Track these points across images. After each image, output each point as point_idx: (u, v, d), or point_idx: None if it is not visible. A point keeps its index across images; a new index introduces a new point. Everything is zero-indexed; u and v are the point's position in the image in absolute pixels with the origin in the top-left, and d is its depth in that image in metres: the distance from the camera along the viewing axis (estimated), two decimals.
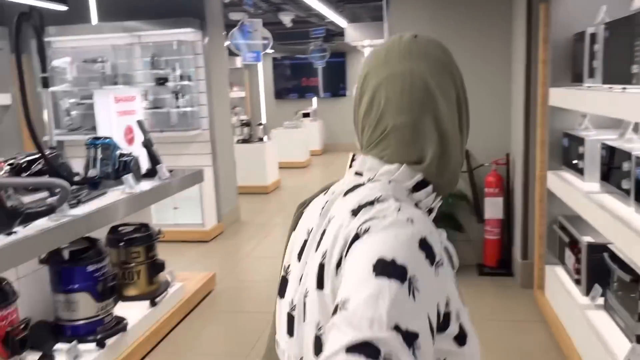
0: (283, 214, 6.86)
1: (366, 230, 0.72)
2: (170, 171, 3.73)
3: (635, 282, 2.29)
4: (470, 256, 4.31)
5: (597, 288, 2.76)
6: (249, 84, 12.69)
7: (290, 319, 0.84)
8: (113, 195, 3.11)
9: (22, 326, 2.32)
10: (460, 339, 0.76)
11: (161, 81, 5.49)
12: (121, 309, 3.18)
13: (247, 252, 5.36)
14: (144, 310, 3.36)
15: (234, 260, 5.21)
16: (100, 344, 2.85)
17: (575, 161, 3.01)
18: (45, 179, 2.79)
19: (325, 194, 0.90)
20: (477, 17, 4.22)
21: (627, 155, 2.26)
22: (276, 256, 0.97)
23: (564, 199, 3.04)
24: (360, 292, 0.65)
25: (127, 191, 3.18)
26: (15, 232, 2.32)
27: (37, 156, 2.91)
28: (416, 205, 0.81)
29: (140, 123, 3.85)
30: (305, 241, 0.86)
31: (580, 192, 2.72)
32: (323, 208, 0.85)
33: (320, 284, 0.77)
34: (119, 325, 3.03)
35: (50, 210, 2.57)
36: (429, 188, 0.83)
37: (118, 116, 4.06)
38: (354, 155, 0.91)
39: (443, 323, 0.72)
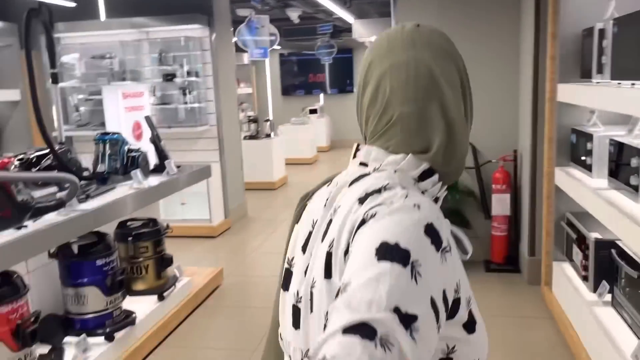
0: (290, 210, 6.82)
1: (372, 216, 0.72)
2: (178, 167, 3.75)
3: None
4: (477, 252, 4.29)
5: (604, 284, 2.76)
6: (256, 80, 12.70)
7: (296, 311, 0.84)
8: (121, 190, 3.14)
9: (32, 319, 2.35)
10: (469, 326, 0.76)
11: (169, 77, 5.51)
12: (130, 303, 3.21)
13: (254, 247, 5.38)
14: (152, 305, 3.38)
15: (241, 256, 5.23)
16: (109, 338, 2.88)
17: (583, 157, 3.00)
18: (55, 173, 2.81)
19: (328, 185, 0.90)
20: (485, 12, 4.21)
21: (635, 151, 2.25)
22: (283, 252, 0.97)
23: (572, 195, 3.03)
24: (361, 275, 0.65)
25: (135, 186, 3.20)
26: (25, 226, 2.34)
27: (46, 151, 2.94)
28: (422, 194, 0.81)
29: (148, 119, 3.87)
30: (310, 233, 0.86)
31: (588, 189, 2.71)
32: (327, 199, 0.85)
33: (328, 274, 0.77)
34: (128, 319, 3.05)
35: (59, 205, 2.59)
36: (435, 177, 0.83)
37: (126, 112, 4.08)
38: (358, 146, 0.91)
39: (452, 309, 0.72)
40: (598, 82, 2.72)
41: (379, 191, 0.77)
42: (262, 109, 12.26)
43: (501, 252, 4.26)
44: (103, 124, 4.45)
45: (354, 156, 0.90)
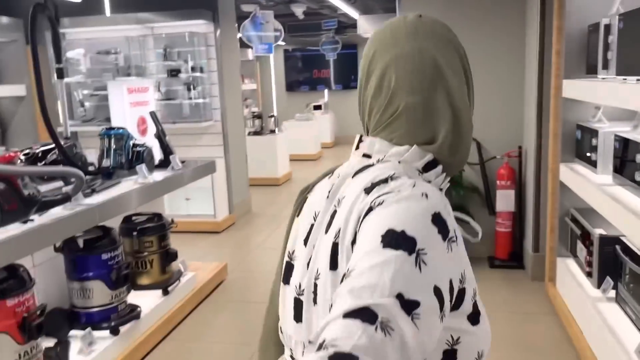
0: None
1: (380, 204, 0.72)
2: (183, 162, 3.76)
3: None
4: (481, 249, 4.30)
5: (608, 280, 2.75)
6: (260, 76, 12.70)
7: (298, 304, 0.84)
8: (126, 185, 3.15)
9: (38, 312, 2.36)
10: (474, 317, 0.76)
11: (173, 73, 5.52)
12: (134, 298, 3.22)
13: (258, 243, 5.39)
14: (157, 299, 3.40)
15: (245, 251, 5.24)
16: (114, 331, 2.90)
17: (588, 153, 2.99)
18: (61, 168, 2.83)
19: (329, 177, 0.90)
20: (490, 7, 4.20)
21: None
22: (282, 245, 0.97)
23: (577, 192, 3.03)
24: (366, 261, 0.65)
25: (140, 181, 3.21)
26: (31, 220, 2.36)
27: (52, 146, 2.95)
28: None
29: (153, 114, 3.88)
30: (312, 225, 0.86)
31: (593, 185, 2.71)
32: (329, 191, 0.85)
33: (333, 265, 0.77)
34: (133, 313, 3.07)
35: (65, 199, 2.60)
36: (439, 168, 0.83)
37: (131, 107, 4.09)
38: (360, 137, 0.90)
39: (457, 300, 0.72)
40: (604, 78, 2.71)
41: (385, 181, 0.77)
42: (266, 104, 12.25)
43: (505, 249, 4.26)
44: (108, 120, 4.45)
45: (357, 147, 0.89)
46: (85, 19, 5.42)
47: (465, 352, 0.75)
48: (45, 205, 2.49)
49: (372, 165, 0.83)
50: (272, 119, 8.52)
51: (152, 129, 3.84)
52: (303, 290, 0.83)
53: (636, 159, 2.27)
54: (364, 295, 0.60)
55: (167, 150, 3.69)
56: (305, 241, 0.86)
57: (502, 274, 4.16)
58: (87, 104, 5.60)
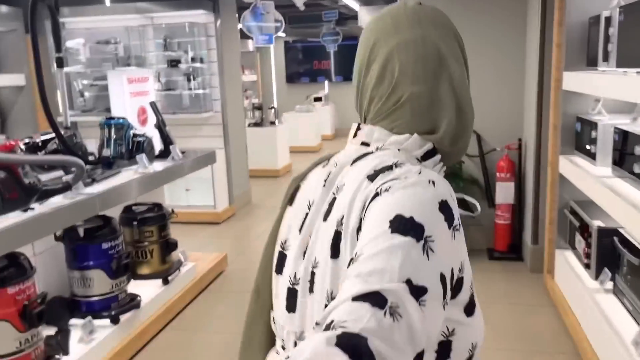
0: None
1: (386, 190, 0.72)
2: (183, 152, 3.77)
3: None
4: (481, 241, 4.31)
5: (606, 272, 2.77)
6: (260, 67, 12.67)
7: (292, 294, 0.83)
8: (127, 174, 3.16)
9: (39, 300, 2.38)
10: (469, 308, 0.76)
11: (173, 63, 5.51)
12: (135, 287, 3.24)
13: (258, 234, 5.40)
14: (157, 289, 3.42)
15: (245, 242, 5.26)
16: (114, 320, 2.91)
17: (587, 146, 2.99)
18: (61, 156, 2.83)
19: (324, 166, 0.89)
20: None
21: (639, 139, 2.25)
22: (272, 234, 0.96)
23: (576, 184, 3.03)
24: (374, 246, 0.65)
25: (141, 171, 3.22)
26: (32, 209, 2.37)
27: (52, 136, 2.95)
28: None
29: (153, 104, 3.88)
30: (306, 214, 0.85)
31: (592, 177, 2.71)
32: (326, 179, 0.84)
33: (335, 253, 0.76)
34: (133, 302, 3.09)
35: (65, 188, 2.61)
36: (437, 157, 0.82)
37: (131, 97, 4.09)
38: (359, 125, 0.90)
39: (455, 288, 0.72)
40: (604, 70, 2.71)
41: (389, 168, 0.76)
42: (266, 96, 12.24)
43: (505, 241, 4.27)
44: (108, 110, 4.46)
45: (355, 135, 0.89)
46: (85, 8, 5.40)
47: (460, 343, 0.75)
48: (45, 194, 2.50)
49: (371, 153, 0.82)
50: (273, 110, 8.51)
51: (152, 119, 3.84)
52: (298, 279, 0.82)
53: (635, 151, 2.28)
54: (373, 279, 0.60)
55: (167, 140, 3.69)
56: (300, 230, 0.85)
57: (501, 265, 4.18)
58: (86, 94, 5.60)
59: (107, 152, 3.26)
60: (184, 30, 5.48)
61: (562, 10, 3.30)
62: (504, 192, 4.18)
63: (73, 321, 2.78)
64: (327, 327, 0.56)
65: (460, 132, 0.83)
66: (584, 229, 2.99)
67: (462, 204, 0.76)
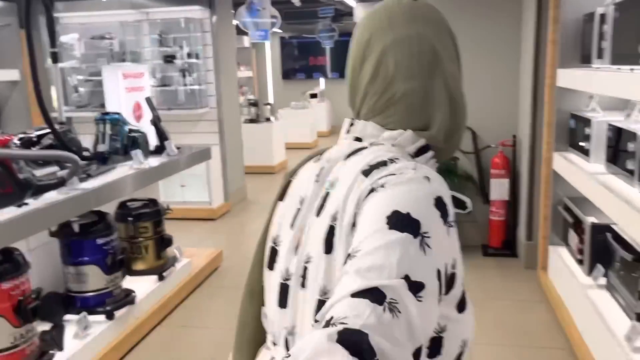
0: None
1: (382, 185, 0.72)
2: (178, 148, 3.76)
3: (637, 262, 2.31)
4: (475, 237, 4.33)
5: (599, 268, 2.78)
6: (256, 63, 12.64)
7: (284, 289, 0.83)
8: (122, 170, 3.15)
9: (33, 296, 2.38)
10: (461, 305, 0.77)
11: (169, 59, 5.49)
12: (129, 283, 3.24)
13: (253, 230, 5.41)
14: (152, 285, 3.42)
15: (241, 238, 5.26)
16: (109, 316, 2.91)
17: (581, 142, 3.01)
18: (56, 151, 2.82)
19: (315, 161, 0.89)
20: None
21: (632, 136, 2.26)
22: (263, 230, 0.97)
23: (570, 180, 3.05)
24: (371, 242, 0.65)
25: (136, 167, 3.21)
26: (26, 204, 2.36)
27: (47, 131, 2.94)
28: None
29: (148, 100, 3.87)
30: (298, 210, 0.85)
31: (586, 173, 2.73)
32: (318, 175, 0.84)
33: (328, 248, 0.76)
34: (128, 298, 3.09)
35: (60, 184, 2.60)
36: (429, 154, 0.83)
37: (126, 92, 4.07)
38: (352, 121, 0.89)
39: (448, 285, 0.72)
40: (598, 67, 2.72)
41: (384, 163, 0.76)
42: (262, 92, 12.21)
43: (499, 237, 4.29)
44: (103, 105, 4.44)
45: (347, 131, 0.89)
46: (80, 3, 5.38)
47: (451, 340, 0.75)
48: (40, 189, 2.49)
49: (365, 148, 0.82)
50: (268, 106, 8.50)
51: (147, 115, 3.83)
52: (290, 274, 0.82)
53: (628, 148, 2.29)
54: (372, 275, 0.60)
55: (162, 136, 3.69)
56: (292, 226, 0.85)
57: (496, 262, 4.20)
58: (81, 89, 5.57)
59: (102, 148, 3.25)
60: (179, 25, 5.46)
61: (557, 7, 3.31)
62: (499, 188, 4.20)
63: (68, 317, 2.77)
64: (327, 324, 0.57)
65: (453, 128, 0.84)
66: (578, 225, 3.00)
67: (454, 200, 0.76)
